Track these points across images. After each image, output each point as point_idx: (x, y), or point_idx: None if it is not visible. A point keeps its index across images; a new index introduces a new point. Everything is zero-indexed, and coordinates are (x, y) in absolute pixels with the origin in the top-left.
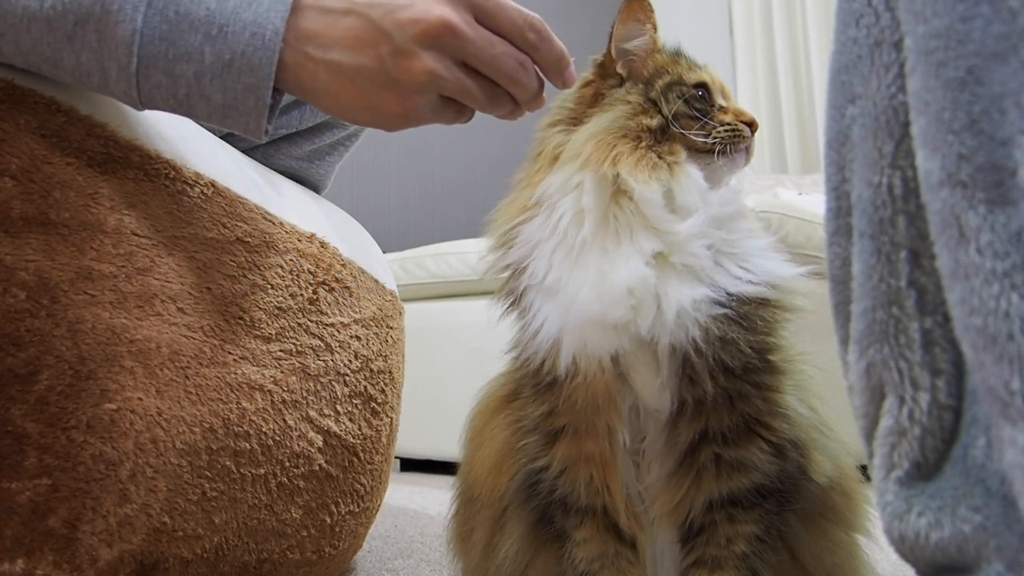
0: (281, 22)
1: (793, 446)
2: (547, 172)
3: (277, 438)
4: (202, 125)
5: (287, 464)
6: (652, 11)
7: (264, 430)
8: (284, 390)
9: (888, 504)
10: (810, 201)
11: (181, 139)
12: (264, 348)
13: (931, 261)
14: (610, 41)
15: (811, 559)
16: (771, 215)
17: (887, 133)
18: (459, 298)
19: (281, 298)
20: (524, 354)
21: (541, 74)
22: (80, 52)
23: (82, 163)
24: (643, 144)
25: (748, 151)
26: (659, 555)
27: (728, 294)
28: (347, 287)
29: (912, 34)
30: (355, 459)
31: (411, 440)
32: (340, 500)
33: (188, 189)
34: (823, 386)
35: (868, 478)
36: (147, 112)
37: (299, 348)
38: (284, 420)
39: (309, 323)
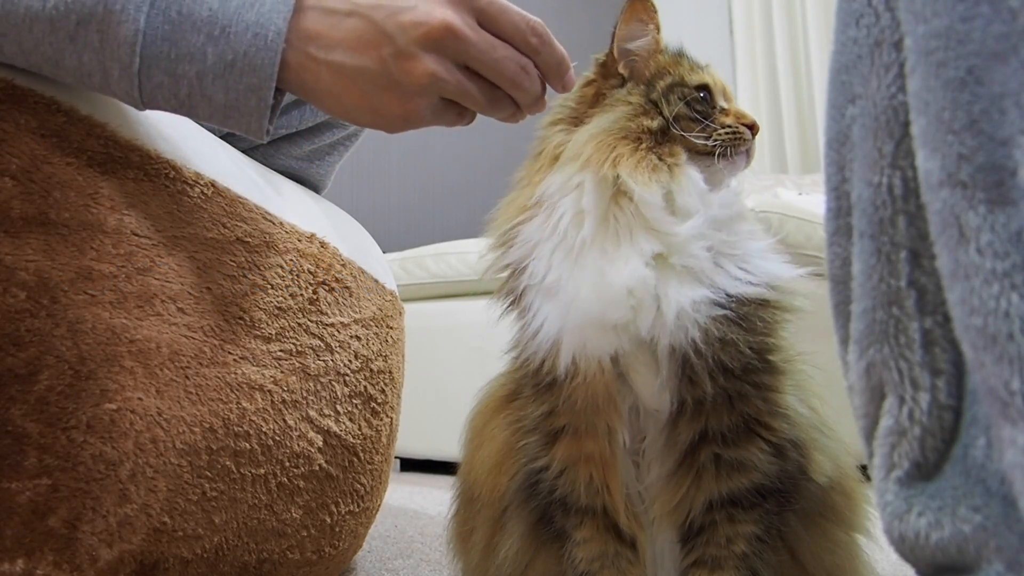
0: (284, 23)
1: (793, 446)
2: (547, 172)
3: (277, 438)
4: (202, 125)
5: (287, 464)
6: (655, 11)
7: (264, 430)
8: (284, 390)
9: (888, 504)
10: (810, 201)
11: (181, 139)
12: (264, 348)
13: (931, 261)
14: (613, 41)
15: (811, 559)
16: (771, 215)
17: (887, 133)
18: (459, 298)
19: (281, 298)
20: (524, 354)
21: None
22: (82, 52)
23: (82, 163)
24: (644, 145)
25: (749, 153)
26: (659, 555)
27: (728, 295)
28: (347, 287)
29: (912, 34)
30: (355, 459)
31: (411, 440)
32: (340, 500)
33: (188, 189)
34: (823, 386)
35: (868, 478)
36: (147, 112)
37: (299, 348)
38: (284, 420)
39: (309, 323)
